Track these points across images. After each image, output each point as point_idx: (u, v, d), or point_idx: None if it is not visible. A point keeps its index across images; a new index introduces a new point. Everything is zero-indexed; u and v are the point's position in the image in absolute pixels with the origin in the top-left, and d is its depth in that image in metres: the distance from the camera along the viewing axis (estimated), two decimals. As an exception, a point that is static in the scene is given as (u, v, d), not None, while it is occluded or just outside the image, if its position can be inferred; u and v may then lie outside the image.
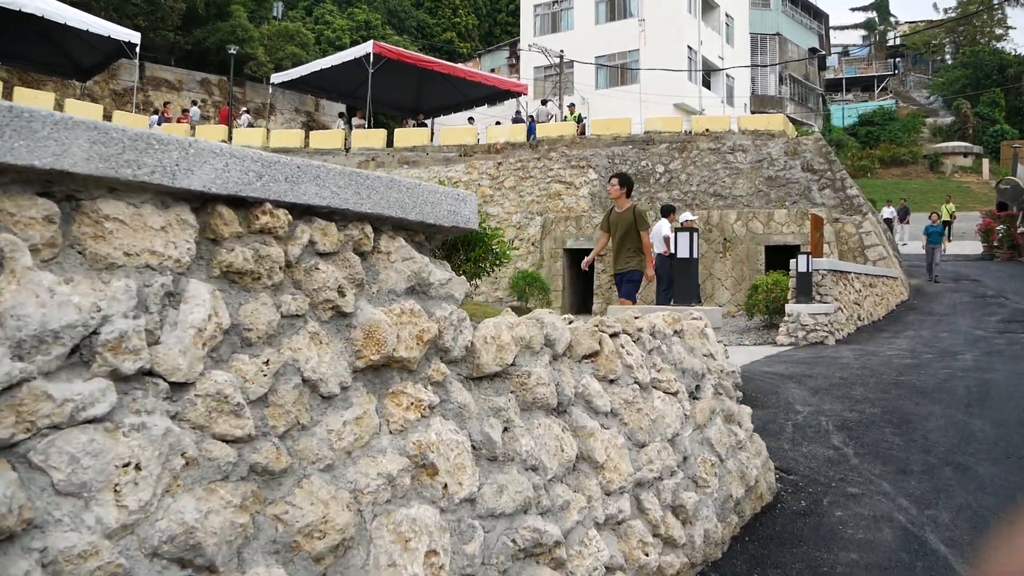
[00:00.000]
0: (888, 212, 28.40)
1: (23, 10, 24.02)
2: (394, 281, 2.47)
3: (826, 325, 10.87)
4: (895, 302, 16.15)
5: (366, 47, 24.74)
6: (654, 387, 3.62)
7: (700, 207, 19.33)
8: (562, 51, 38.94)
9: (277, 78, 29.11)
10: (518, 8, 47.31)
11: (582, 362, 3.26)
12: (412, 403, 2.40)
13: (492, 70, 48.40)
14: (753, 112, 41.48)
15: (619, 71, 41.02)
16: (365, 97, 25.30)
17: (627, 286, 8.40)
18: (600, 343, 3.31)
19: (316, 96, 34.22)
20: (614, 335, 3.45)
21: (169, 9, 37.55)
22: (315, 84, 28.25)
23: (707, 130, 21.50)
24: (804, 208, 17.36)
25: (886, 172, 48.59)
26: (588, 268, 8.92)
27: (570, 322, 3.29)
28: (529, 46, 40.94)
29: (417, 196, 2.54)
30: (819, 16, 56.71)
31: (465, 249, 5.06)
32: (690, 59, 39.96)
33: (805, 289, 11.07)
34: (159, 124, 27.16)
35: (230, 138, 25.95)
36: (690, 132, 21.91)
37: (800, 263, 11.07)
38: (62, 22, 25.06)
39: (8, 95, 24.97)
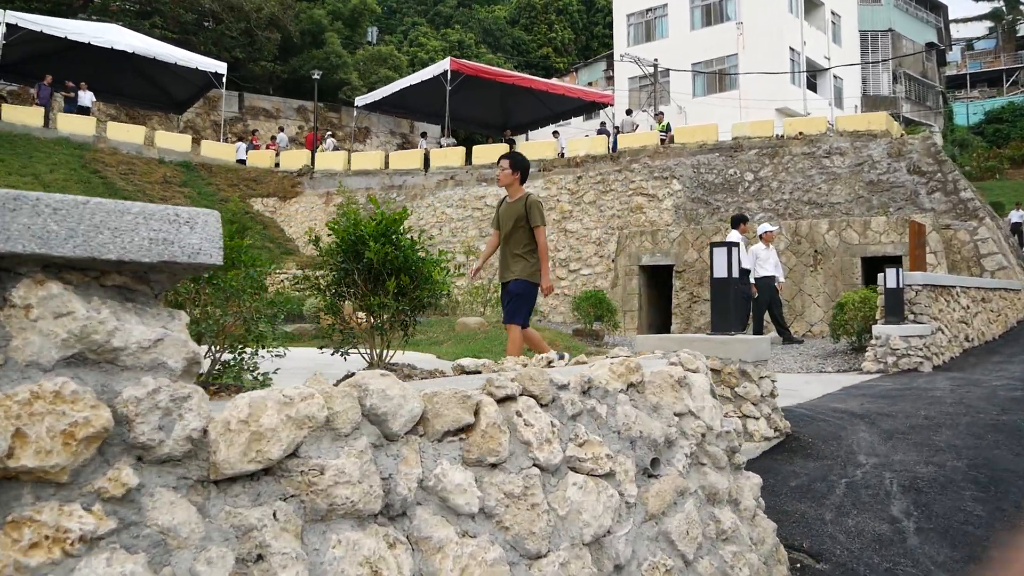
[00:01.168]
0: (1017, 216, 25.78)
1: (114, 47, 24.79)
2: (37, 348, 1.62)
3: (921, 349, 9.38)
4: (1016, 319, 14.24)
5: (443, 64, 24.34)
6: (571, 469, 2.63)
7: (793, 216, 17.80)
8: (656, 60, 37.64)
9: (361, 101, 29.15)
10: (613, 19, 46.28)
11: (444, 441, 2.33)
12: (48, 536, 1.54)
13: (590, 83, 47.52)
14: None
15: (717, 77, 39.34)
16: (445, 116, 24.87)
17: (512, 303, 6.42)
18: (476, 412, 2.38)
19: (400, 117, 34.16)
20: (504, 400, 2.50)
21: (265, 40, 38.47)
22: (398, 104, 28.13)
23: (800, 133, 19.90)
24: (907, 215, 15.63)
25: (1017, 172, 44.80)
26: (475, 278, 7.11)
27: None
28: (622, 56, 39.80)
29: (80, 220, 1.68)
30: (937, 9, 53.12)
31: (397, 278, 4.19)
32: (792, 61, 37.90)
33: (895, 307, 9.61)
34: (247, 151, 27.58)
35: (312, 162, 26.01)
36: (782, 136, 20.36)
37: (889, 277, 9.61)
38: (151, 57, 25.77)
39: (149, 137, 25.78)
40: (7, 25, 23.46)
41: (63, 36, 24.48)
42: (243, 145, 28.13)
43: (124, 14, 34.68)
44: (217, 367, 3.87)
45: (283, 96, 40.21)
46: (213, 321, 3.77)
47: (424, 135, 28.63)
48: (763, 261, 11.97)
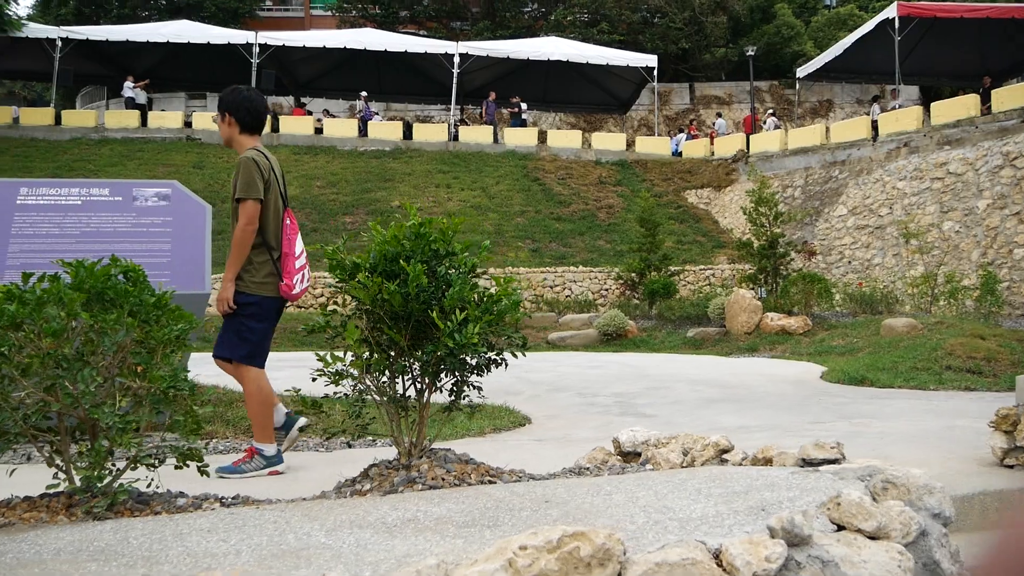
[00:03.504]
0: None
1: (550, 59, 25.88)
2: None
3: None
4: None
5: (887, 11, 20.64)
6: None
7: None
8: None
9: (803, 71, 26.43)
10: None
11: None
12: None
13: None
14: None
15: None
16: (895, 72, 21.14)
17: (224, 326, 4.20)
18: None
19: (850, 82, 30.28)
20: None
21: (713, 25, 37.32)
22: (841, 69, 24.82)
23: None
24: None
25: None
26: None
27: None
28: None
29: None
30: None
31: (442, 319, 2.72)
32: None
33: None
34: (687, 141, 26.78)
35: (747, 146, 24.17)
36: None
37: None
38: (583, 61, 26.39)
39: (587, 140, 27.09)
40: (461, 55, 25.92)
41: (505, 56, 26.34)
42: (682, 136, 27.39)
43: (575, 26, 36.42)
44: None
45: (735, 80, 38.69)
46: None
47: (876, 99, 24.83)
48: None
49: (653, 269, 17.03)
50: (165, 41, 25.39)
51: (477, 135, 25.93)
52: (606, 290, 18.86)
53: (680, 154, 26.20)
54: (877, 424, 5.53)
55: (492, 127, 26.17)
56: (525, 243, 21.22)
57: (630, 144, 26.79)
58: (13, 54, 27.08)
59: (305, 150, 24.93)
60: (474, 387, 2.91)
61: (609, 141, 26.58)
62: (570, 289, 18.98)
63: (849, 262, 19.08)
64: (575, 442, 5.07)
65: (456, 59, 25.96)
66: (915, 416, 5.83)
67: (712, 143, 25.81)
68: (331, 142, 25.34)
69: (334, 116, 27.90)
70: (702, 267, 20.14)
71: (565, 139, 26.38)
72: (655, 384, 8.08)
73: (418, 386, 2.86)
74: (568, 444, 4.90)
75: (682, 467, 2.76)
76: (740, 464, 2.71)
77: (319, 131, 25.75)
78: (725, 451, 2.76)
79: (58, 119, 24.62)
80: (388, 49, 26.30)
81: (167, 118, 25.32)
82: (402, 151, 25.34)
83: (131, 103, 25.37)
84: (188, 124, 25.17)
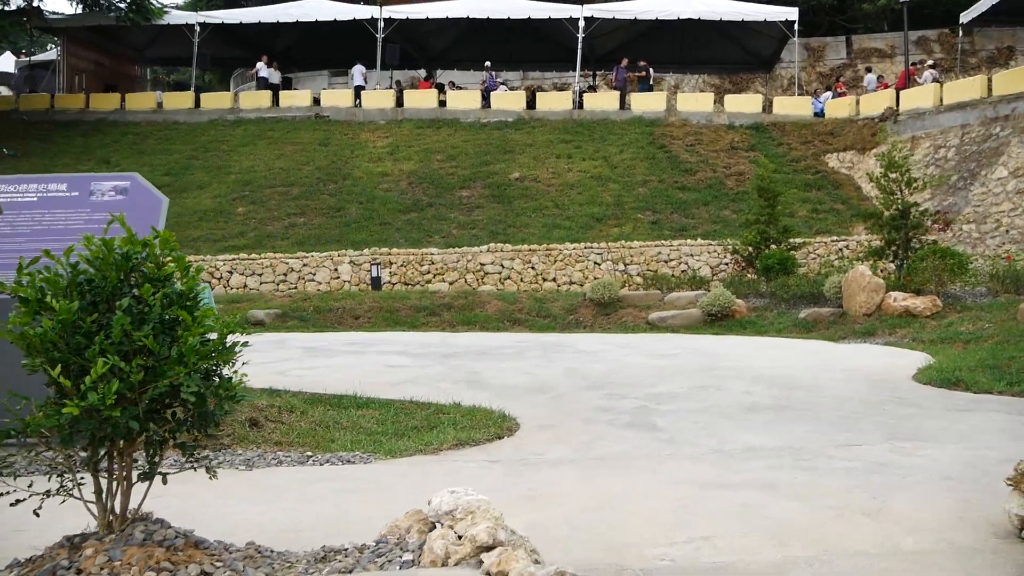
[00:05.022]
0: None
1: (680, 18, 24.49)
2: None
3: None
4: None
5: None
6: None
7: None
8: None
9: (966, 16, 23.61)
10: None
11: None
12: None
13: None
14: None
15: None
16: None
17: None
18: None
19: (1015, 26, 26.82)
20: None
21: (873, -30, 34.17)
22: (1010, 11, 21.95)
23: None
24: None
25: None
26: None
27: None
28: None
29: None
30: None
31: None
32: None
33: None
34: (833, 98, 24.65)
35: (897, 103, 21.87)
36: None
37: None
38: (716, 19, 24.76)
39: (720, 103, 25.66)
40: (587, 19, 24.94)
41: (632, 18, 25.11)
42: (828, 95, 25.22)
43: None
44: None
45: (899, 31, 35.29)
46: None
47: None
48: None
49: (772, 242, 15.69)
50: (295, 21, 25.95)
51: (603, 102, 24.95)
52: (726, 264, 17.64)
53: (823, 114, 24.14)
54: (922, 452, 4.54)
55: (619, 93, 25.09)
56: (645, 214, 20.23)
57: (767, 106, 24.96)
58: (160, 41, 28.61)
59: (428, 124, 24.87)
60: (188, 449, 2.37)
61: (743, 103, 24.88)
62: (686, 263, 17.90)
63: (1007, 231, 16.83)
64: (530, 466, 4.44)
65: (581, 23, 25.00)
66: (978, 442, 4.76)
67: (858, 102, 23.57)
68: (454, 115, 25.14)
69: (461, 88, 27.68)
70: (835, 238, 18.44)
71: (695, 103, 24.93)
72: (708, 382, 7.21)
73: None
74: (510, 474, 4.27)
75: (441, 565, 2.11)
76: (488, 572, 2.03)
77: (443, 104, 25.62)
78: (486, 548, 2.09)
79: (198, 102, 25.80)
80: (511, 16, 25.70)
81: (297, 97, 25.97)
82: (524, 122, 24.78)
83: (264, 83, 26.18)
84: (316, 102, 25.70)
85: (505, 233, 19.29)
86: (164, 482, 2.50)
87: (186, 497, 3.85)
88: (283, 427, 5.37)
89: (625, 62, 25.71)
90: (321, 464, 4.61)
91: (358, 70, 26.09)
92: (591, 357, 9.31)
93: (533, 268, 17.95)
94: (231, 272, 18.10)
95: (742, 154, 22.80)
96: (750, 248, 15.87)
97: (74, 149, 24.04)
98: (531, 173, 22.13)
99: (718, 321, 13.54)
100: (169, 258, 2.43)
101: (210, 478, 2.59)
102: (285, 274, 18.02)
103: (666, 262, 17.94)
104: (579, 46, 25.43)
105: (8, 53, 34.63)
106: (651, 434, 5.20)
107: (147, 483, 2.51)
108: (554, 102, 25.39)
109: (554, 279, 17.88)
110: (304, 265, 18.08)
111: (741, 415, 5.78)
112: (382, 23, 25.69)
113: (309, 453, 4.84)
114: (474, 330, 14.55)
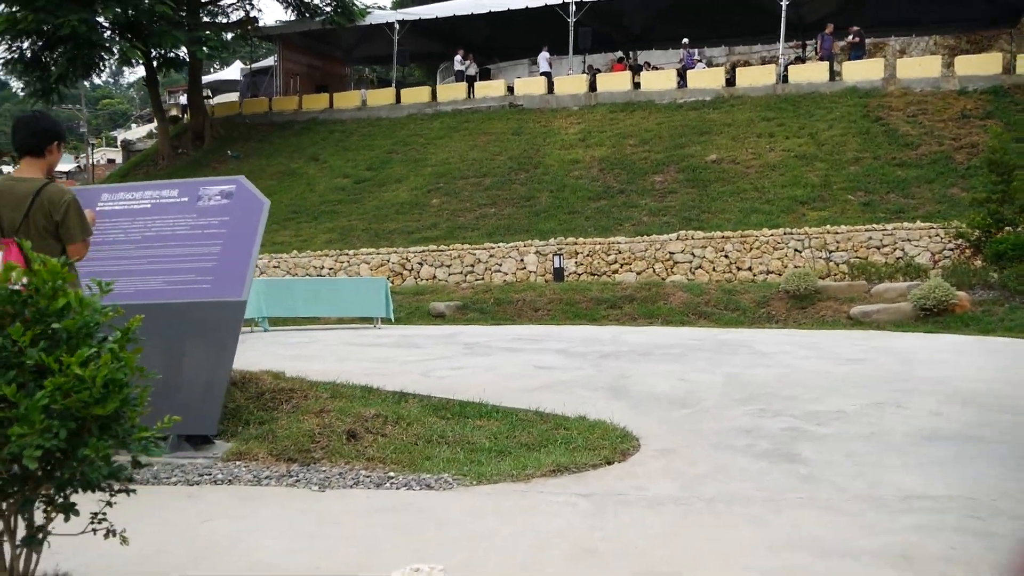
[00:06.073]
0: None
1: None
2: None
3: None
4: None
5: None
6: None
7: None
8: None
9: None
10: None
11: None
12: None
13: None
14: None
15: None
16: None
17: None
18: None
19: None
20: None
21: None
22: None
23: None
24: None
25: None
26: None
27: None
28: None
29: None
30: None
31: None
32: None
33: None
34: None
35: None
36: None
37: None
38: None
39: (949, 66, 23.00)
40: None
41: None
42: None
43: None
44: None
45: None
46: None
47: None
48: None
49: (1005, 224, 13.58)
50: (486, 12, 26.06)
51: (810, 74, 22.96)
52: (950, 251, 15.54)
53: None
54: None
55: (828, 63, 22.98)
56: (856, 195, 18.34)
57: (1011, 66, 21.84)
58: (366, 41, 29.86)
59: (621, 107, 24.11)
60: (65, 508, 1.96)
61: (979, 64, 21.90)
62: (902, 250, 15.96)
63: None
64: (622, 504, 3.77)
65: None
66: None
67: None
68: (648, 96, 24.19)
69: (658, 68, 26.61)
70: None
71: (919, 68, 22.27)
72: (889, 398, 6.11)
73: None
74: (591, 514, 3.63)
75: None
76: None
77: (637, 86, 24.73)
78: None
79: (398, 98, 26.63)
80: (712, -13, 24.34)
81: (491, 87, 26.09)
82: (723, 100, 23.36)
83: (461, 76, 26.56)
84: (511, 91, 25.69)
85: (699, 219, 18.20)
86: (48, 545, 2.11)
87: (216, 528, 3.58)
88: (382, 440, 5.05)
89: (830, 28, 23.48)
90: (397, 488, 4.22)
91: (543, 56, 25.80)
92: (762, 360, 8.33)
93: (726, 256, 16.78)
94: (421, 264, 18.44)
95: (975, 123, 20.11)
96: (977, 231, 13.85)
97: (288, 148, 25.65)
98: (729, 155, 20.78)
99: (933, 317, 11.88)
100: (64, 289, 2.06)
101: (122, 544, 2.18)
102: (472, 265, 18.09)
103: (878, 248, 16.11)
104: (783, 12, 23.56)
105: (237, 62, 37.80)
106: (787, 468, 4.34)
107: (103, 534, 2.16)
108: (756, 77, 23.71)
109: (749, 268, 16.62)
110: (491, 256, 18.05)
111: (914, 447, 4.74)
112: (574, 6, 25.19)
113: (392, 473, 4.47)
114: (655, 324, 13.78)
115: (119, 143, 44.06)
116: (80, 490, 1.98)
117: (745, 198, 18.88)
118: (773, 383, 6.93)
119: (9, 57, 24.45)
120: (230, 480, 4.41)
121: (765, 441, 4.93)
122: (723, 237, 16.92)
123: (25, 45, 24.05)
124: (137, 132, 45.46)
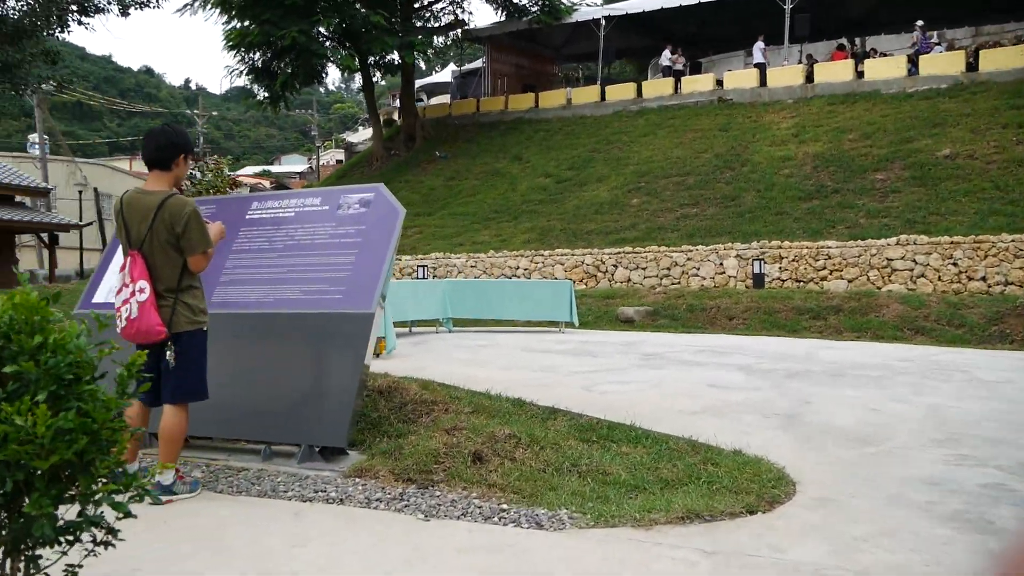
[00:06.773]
0: None
1: None
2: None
3: None
4: None
5: None
6: None
7: None
8: None
9: None
10: None
11: None
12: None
13: None
14: None
15: None
16: None
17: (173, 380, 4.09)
18: None
19: None
20: None
21: None
22: None
23: None
24: None
25: None
26: None
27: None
28: None
29: None
30: None
31: None
32: None
33: None
34: None
35: None
36: None
37: None
38: None
39: None
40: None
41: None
42: None
43: None
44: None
45: None
46: None
47: None
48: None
49: None
50: (696, 2, 25.04)
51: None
52: None
53: None
54: None
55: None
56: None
57: None
58: (574, 39, 29.71)
59: (841, 99, 22.31)
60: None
61: None
62: None
63: None
64: (747, 570, 3.21)
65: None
66: None
67: None
68: (873, 86, 22.21)
69: (886, 55, 24.36)
70: None
71: None
72: None
73: None
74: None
75: None
76: None
77: (860, 75, 22.77)
78: None
79: (603, 95, 26.25)
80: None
81: (699, 82, 25.07)
82: (962, 87, 20.95)
83: (668, 71, 25.73)
84: (720, 84, 24.56)
85: (924, 222, 16.38)
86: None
87: (302, 555, 3.39)
88: (509, 465, 4.73)
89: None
90: (505, 524, 3.88)
91: (757, 47, 24.36)
92: (979, 391, 7.17)
93: (955, 264, 14.95)
94: (616, 266, 18.01)
95: None
96: None
97: (493, 148, 26.08)
98: (966, 149, 18.57)
99: None
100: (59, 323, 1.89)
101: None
102: (668, 268, 17.41)
103: None
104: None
105: (451, 65, 39.10)
106: (975, 539, 3.54)
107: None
108: (1003, 60, 21.04)
109: (983, 278, 14.70)
110: (688, 259, 17.28)
111: None
112: (791, -7, 23.65)
113: (506, 505, 4.14)
114: (863, 338, 12.51)
115: (344, 145, 47.13)
116: (41, 545, 1.82)
117: (983, 198, 16.76)
118: (985, 422, 5.90)
119: (243, 68, 26.78)
120: (341, 499, 4.28)
121: (955, 499, 4.10)
122: (952, 242, 15.08)
123: (256, 56, 26.22)
124: (361, 135, 48.39)
